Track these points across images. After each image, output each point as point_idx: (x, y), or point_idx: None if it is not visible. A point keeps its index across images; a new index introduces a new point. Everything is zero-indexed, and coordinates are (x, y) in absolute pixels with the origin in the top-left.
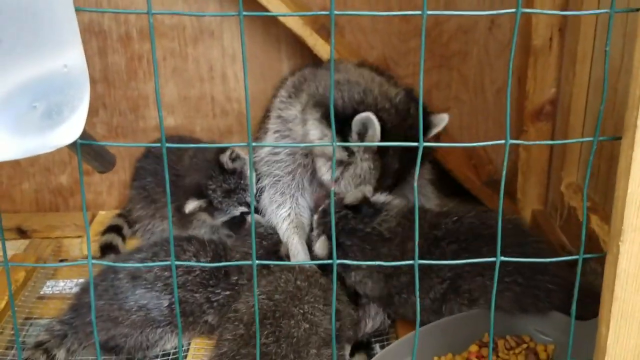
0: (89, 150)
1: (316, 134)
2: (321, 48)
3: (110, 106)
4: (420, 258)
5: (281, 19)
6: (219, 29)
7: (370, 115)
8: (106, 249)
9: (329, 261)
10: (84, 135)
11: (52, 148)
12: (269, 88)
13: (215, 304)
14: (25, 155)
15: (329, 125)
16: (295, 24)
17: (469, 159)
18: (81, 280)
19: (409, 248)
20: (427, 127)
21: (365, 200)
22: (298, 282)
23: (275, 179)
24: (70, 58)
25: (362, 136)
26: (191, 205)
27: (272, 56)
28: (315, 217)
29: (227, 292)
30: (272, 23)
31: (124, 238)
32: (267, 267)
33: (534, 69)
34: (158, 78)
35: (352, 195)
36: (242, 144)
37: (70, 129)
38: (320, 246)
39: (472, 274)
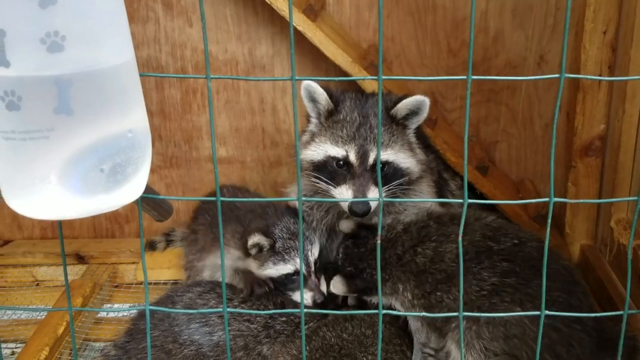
0: (148, 202)
1: None
2: (369, 84)
3: (166, 137)
4: (466, 259)
5: (330, 56)
6: (270, 64)
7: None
8: None
9: (375, 311)
10: (146, 188)
11: (116, 207)
12: None
13: (272, 331)
14: (90, 214)
15: None
16: (344, 61)
17: (516, 193)
18: (137, 304)
19: (446, 250)
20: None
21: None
22: (363, 329)
23: None
24: (135, 122)
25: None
26: (255, 239)
27: None
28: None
29: (284, 320)
30: (321, 58)
31: None
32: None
33: (582, 105)
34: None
35: (345, 225)
36: (292, 199)
37: (133, 188)
38: (334, 285)
39: (512, 301)
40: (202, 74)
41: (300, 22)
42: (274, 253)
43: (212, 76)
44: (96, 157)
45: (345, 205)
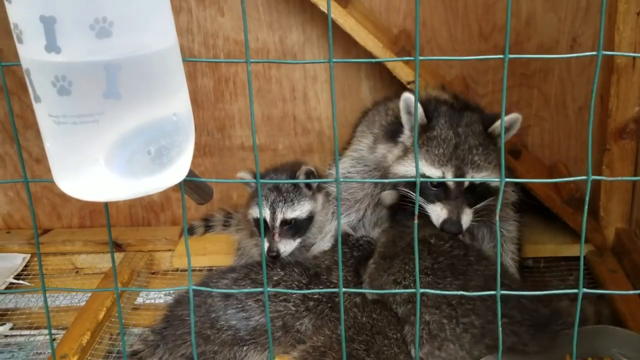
0: (190, 185)
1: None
2: (400, 70)
3: (199, 126)
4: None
5: (361, 42)
6: (301, 52)
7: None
8: None
9: (412, 290)
10: (188, 171)
11: (161, 189)
12: (348, 107)
13: (310, 303)
14: (136, 196)
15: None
16: (375, 47)
17: (549, 177)
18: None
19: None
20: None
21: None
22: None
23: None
24: (179, 106)
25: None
26: (240, 174)
27: (352, 76)
28: None
29: (321, 290)
30: (352, 45)
31: None
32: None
33: (616, 87)
34: (244, 99)
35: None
36: (330, 180)
37: (177, 170)
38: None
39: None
40: (233, 63)
41: (331, 9)
42: (254, 197)
43: (252, 60)
44: (143, 140)
45: (437, 222)
